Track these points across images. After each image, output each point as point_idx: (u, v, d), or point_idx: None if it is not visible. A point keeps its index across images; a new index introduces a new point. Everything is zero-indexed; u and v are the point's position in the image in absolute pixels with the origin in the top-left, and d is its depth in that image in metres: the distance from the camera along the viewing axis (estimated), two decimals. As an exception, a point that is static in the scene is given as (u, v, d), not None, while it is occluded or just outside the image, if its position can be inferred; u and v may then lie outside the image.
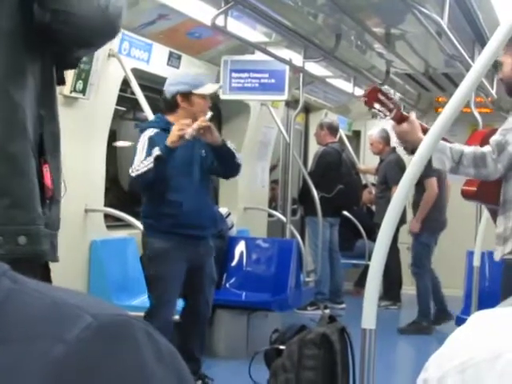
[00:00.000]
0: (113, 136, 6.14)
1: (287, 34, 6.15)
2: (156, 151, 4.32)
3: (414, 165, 2.44)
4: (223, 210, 6.79)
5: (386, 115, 3.41)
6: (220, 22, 4.94)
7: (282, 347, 4.16)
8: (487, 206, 3.84)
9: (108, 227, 5.95)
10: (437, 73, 8.72)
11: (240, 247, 6.63)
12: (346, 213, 9.18)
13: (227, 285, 6.42)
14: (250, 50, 6.93)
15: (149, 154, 4.35)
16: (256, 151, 8.47)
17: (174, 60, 6.39)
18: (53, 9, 1.70)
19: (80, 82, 5.20)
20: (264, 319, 6.38)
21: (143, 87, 5.67)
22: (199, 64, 6.80)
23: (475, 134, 4.09)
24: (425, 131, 3.46)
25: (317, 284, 8.25)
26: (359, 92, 8.68)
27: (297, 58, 6.82)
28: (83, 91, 5.28)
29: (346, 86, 8.54)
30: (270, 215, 8.83)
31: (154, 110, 5.46)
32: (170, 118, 4.60)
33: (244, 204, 8.16)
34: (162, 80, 6.34)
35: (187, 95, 4.55)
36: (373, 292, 2.44)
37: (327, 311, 7.91)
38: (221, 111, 8.03)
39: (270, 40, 6.75)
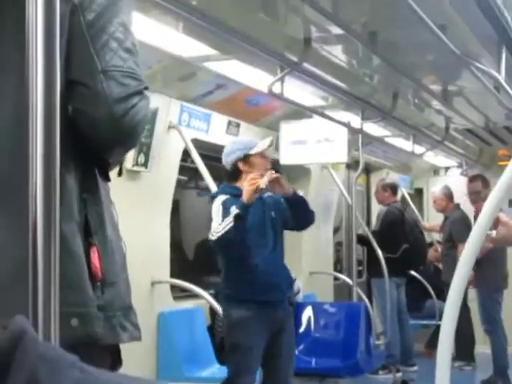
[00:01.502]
0: (176, 205, 6.20)
1: (344, 96, 6.18)
2: (234, 210, 4.36)
3: (481, 222, 2.40)
4: (289, 276, 6.75)
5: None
6: (277, 88, 4.98)
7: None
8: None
9: (174, 298, 5.96)
10: (497, 126, 8.64)
11: (307, 312, 6.57)
12: (413, 272, 9.05)
13: (296, 352, 6.34)
14: (308, 114, 6.97)
15: (226, 216, 4.39)
16: (319, 214, 8.41)
17: (232, 128, 6.46)
18: (74, 107, 1.73)
19: (141, 155, 5.28)
20: (335, 385, 6.29)
21: (203, 156, 5.73)
22: (258, 131, 6.85)
23: None
24: None
25: (387, 347, 8.11)
26: (419, 150, 8.65)
27: (355, 120, 6.84)
28: (145, 164, 5.35)
29: (406, 144, 8.52)
30: (336, 278, 8.75)
31: (215, 179, 5.51)
32: (236, 184, 4.67)
33: (309, 268, 8.11)
34: (221, 148, 6.42)
35: (246, 159, 4.64)
36: (446, 353, 2.38)
37: (399, 375, 7.77)
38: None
39: (327, 103, 6.78)
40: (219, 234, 4.39)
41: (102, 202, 1.83)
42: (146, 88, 1.80)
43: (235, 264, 4.55)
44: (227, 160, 4.72)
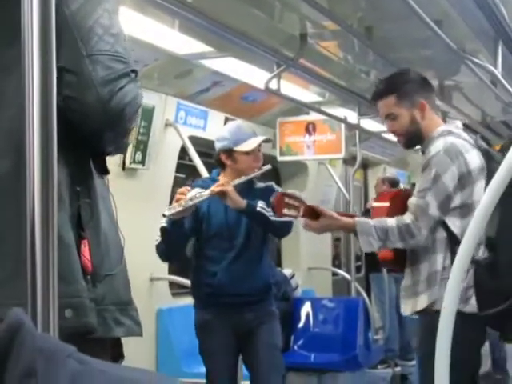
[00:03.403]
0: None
1: (341, 92, 6.18)
2: (162, 222, 3.96)
3: (477, 216, 2.40)
4: (287, 272, 6.76)
5: (296, 216, 3.36)
6: (273, 85, 4.98)
7: (354, 409, 4.09)
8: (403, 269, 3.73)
9: (173, 294, 5.96)
10: (494, 121, 8.65)
11: (306, 308, 6.57)
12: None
13: (295, 347, 6.35)
14: (305, 111, 6.97)
15: None
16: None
17: (230, 125, 6.46)
18: (64, 95, 1.71)
19: (139, 152, 5.28)
20: (334, 380, 6.29)
21: (201, 153, 5.73)
22: (255, 127, 6.85)
23: (382, 195, 4.01)
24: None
25: (386, 342, 8.12)
26: (417, 145, 8.65)
27: (352, 116, 6.84)
28: (142, 162, 5.36)
29: (403, 139, 8.51)
30: (334, 274, 8.76)
31: (213, 176, 5.52)
32: (221, 175, 4.24)
33: (307, 264, 8.12)
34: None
35: (230, 152, 4.16)
36: (444, 349, 2.39)
37: (398, 369, 7.78)
38: (279, 172, 8.07)
39: (323, 99, 6.79)
40: (156, 242, 4.04)
41: (96, 194, 1.82)
42: (134, 71, 1.79)
43: (198, 266, 4.23)
44: (215, 145, 4.26)
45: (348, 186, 8.27)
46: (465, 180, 3.32)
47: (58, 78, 1.70)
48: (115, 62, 1.74)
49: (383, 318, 8.18)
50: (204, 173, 5.45)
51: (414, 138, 3.52)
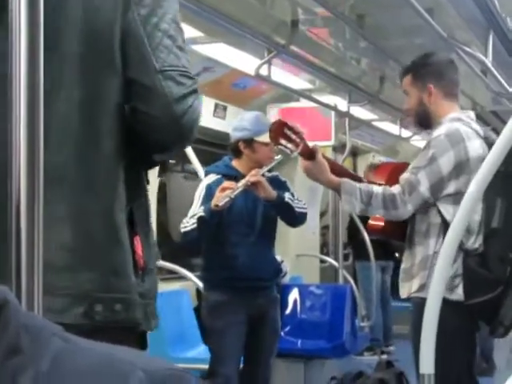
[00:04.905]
0: (162, 189, 6.19)
1: (331, 79, 6.18)
2: (200, 211, 4.10)
3: (465, 204, 2.41)
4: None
5: (292, 151, 3.36)
6: (264, 71, 4.98)
7: (340, 395, 4.11)
8: (394, 241, 3.80)
9: (161, 280, 5.96)
10: (484, 111, 8.66)
11: (293, 295, 6.59)
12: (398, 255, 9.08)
13: (282, 333, 6.35)
14: (295, 98, 6.97)
15: (205, 203, 4.13)
16: (305, 198, 8.44)
17: (219, 111, 6.45)
18: (132, 106, 1.72)
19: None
20: (321, 366, 6.32)
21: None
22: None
23: (381, 168, 4.07)
24: (337, 170, 3.49)
25: (371, 331, 8.16)
26: (406, 134, 8.67)
27: (342, 103, 6.84)
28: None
29: (393, 128, 8.53)
30: (322, 261, 8.78)
31: (202, 162, 5.51)
32: (235, 162, 4.38)
33: (296, 251, 8.12)
34: (208, 131, 6.42)
35: (249, 142, 4.30)
36: (430, 336, 2.40)
37: (384, 356, 7.82)
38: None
39: (314, 86, 6.78)
40: (185, 229, 4.14)
41: (146, 193, 1.86)
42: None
43: (215, 250, 4.30)
44: (232, 135, 4.38)
45: (337, 174, 8.27)
46: (462, 168, 3.33)
47: (126, 87, 1.71)
48: (184, 77, 1.74)
49: (369, 307, 8.20)
50: (193, 159, 5.44)
51: (422, 119, 3.60)
